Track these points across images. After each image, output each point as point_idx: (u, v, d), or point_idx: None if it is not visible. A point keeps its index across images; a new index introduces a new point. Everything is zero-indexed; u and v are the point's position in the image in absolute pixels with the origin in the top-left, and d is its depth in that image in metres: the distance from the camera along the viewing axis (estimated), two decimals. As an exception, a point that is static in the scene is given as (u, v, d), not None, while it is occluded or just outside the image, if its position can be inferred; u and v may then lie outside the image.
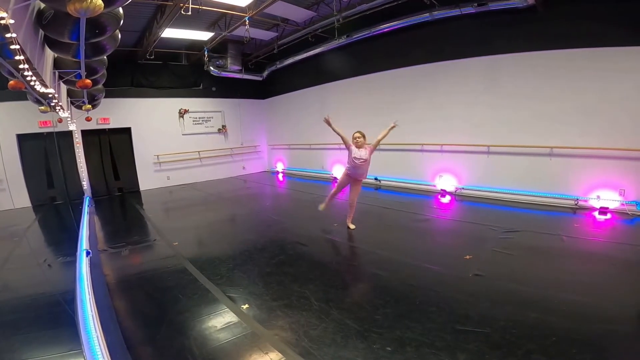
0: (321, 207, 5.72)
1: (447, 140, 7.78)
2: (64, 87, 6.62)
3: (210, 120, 12.51)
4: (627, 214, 5.50)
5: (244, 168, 13.54)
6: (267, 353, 2.53)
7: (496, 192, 7.06)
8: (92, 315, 2.42)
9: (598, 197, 5.82)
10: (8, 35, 2.43)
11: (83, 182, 9.53)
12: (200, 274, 4.05)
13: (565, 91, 5.99)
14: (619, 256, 4.06)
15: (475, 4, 6.39)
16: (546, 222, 5.58)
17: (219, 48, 10.43)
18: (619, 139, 5.47)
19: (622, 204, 5.61)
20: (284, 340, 2.66)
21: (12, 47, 2.65)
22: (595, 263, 3.93)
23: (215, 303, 3.37)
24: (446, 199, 7.50)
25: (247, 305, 3.27)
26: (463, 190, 7.64)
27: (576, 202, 6.07)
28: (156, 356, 2.61)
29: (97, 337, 2.15)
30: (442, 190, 7.94)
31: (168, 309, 3.29)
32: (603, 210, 5.75)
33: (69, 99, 7.60)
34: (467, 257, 4.13)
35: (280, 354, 2.50)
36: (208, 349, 2.62)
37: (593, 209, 5.88)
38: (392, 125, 5.39)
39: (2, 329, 3.04)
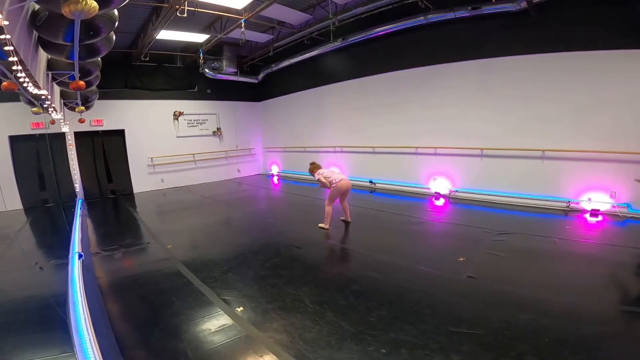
0: (323, 225, 5.73)
1: (441, 143, 7.84)
2: (57, 89, 6.57)
3: (205, 123, 12.48)
4: (618, 215, 5.58)
5: (239, 171, 13.50)
6: (261, 356, 2.52)
7: (489, 194, 7.12)
8: (85, 318, 2.40)
9: (589, 199, 5.90)
10: (2, 36, 2.42)
11: (75, 185, 9.43)
12: (194, 277, 4.03)
13: (557, 94, 6.08)
14: (611, 258, 4.11)
15: (469, 8, 6.46)
16: (538, 225, 5.64)
17: (214, 50, 10.43)
18: (610, 141, 5.55)
19: (613, 206, 5.69)
20: (279, 343, 2.66)
21: (6, 48, 2.63)
22: (587, 265, 3.97)
23: (209, 306, 3.35)
24: (440, 202, 7.55)
25: (241, 308, 3.26)
26: (457, 193, 7.70)
27: (568, 205, 6.14)
28: (150, 359, 2.59)
29: (90, 340, 2.13)
30: (436, 193, 7.99)
31: (162, 312, 3.27)
32: (594, 213, 5.83)
33: (62, 101, 7.54)
34: (461, 259, 4.16)
35: (275, 356, 2.49)
36: (202, 352, 2.61)
37: (584, 211, 5.96)
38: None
39: (-7, 332, 2.99)
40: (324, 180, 5.66)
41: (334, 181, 5.63)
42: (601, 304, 3.05)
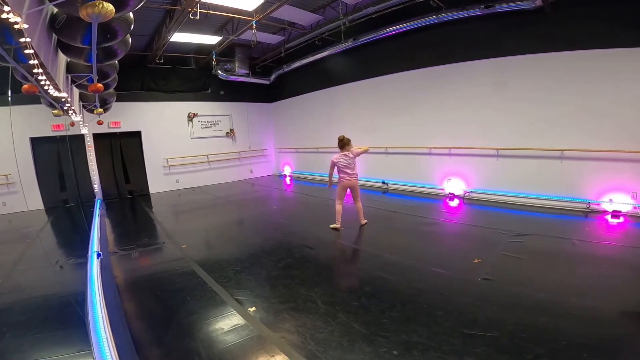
0: (335, 226, 5.71)
1: (455, 143, 7.72)
2: (76, 91, 6.74)
3: (218, 124, 12.62)
4: (641, 217, 5.40)
5: (251, 171, 13.61)
6: (273, 356, 2.53)
7: (506, 195, 6.98)
8: (102, 317, 2.44)
9: (610, 200, 5.72)
10: (22, 39, 2.49)
11: (94, 185, 9.66)
12: (208, 277, 4.07)
13: (575, 93, 5.91)
14: (632, 260, 3.97)
15: (482, 6, 6.34)
16: (557, 226, 5.50)
17: (226, 52, 10.54)
18: (631, 141, 5.37)
19: (635, 207, 5.50)
20: (291, 343, 2.66)
21: (26, 51, 2.71)
22: (607, 267, 3.85)
23: (222, 305, 3.38)
24: (454, 203, 7.44)
25: (254, 308, 3.28)
26: (472, 194, 7.57)
27: (588, 206, 5.97)
28: (164, 357, 2.63)
29: (107, 338, 2.17)
30: (450, 193, 7.88)
31: (176, 311, 3.32)
32: (616, 214, 5.65)
33: (81, 103, 7.74)
34: (476, 260, 4.09)
35: (286, 356, 2.50)
36: (215, 351, 2.63)
37: (605, 212, 5.78)
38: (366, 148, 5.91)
39: (13, 329, 3.09)
40: (332, 170, 5.61)
41: (340, 179, 5.63)
42: (621, 306, 2.95)
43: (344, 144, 5.64)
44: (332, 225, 5.72)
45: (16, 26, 2.27)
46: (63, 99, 5.18)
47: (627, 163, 5.49)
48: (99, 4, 2.57)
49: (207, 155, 12.24)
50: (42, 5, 2.86)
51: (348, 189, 5.70)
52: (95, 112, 7.85)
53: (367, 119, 9.82)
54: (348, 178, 5.60)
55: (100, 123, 9.42)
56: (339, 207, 5.69)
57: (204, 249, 5.58)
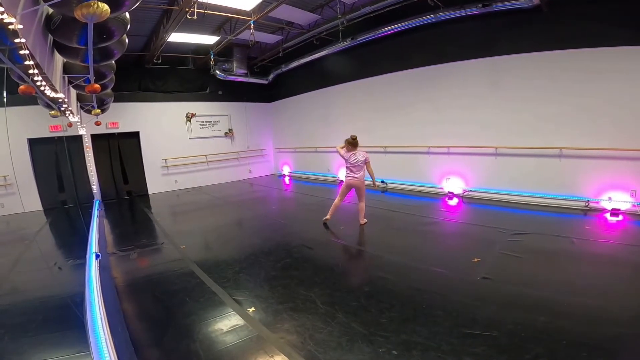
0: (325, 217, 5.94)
1: (453, 142, 7.72)
2: (73, 92, 6.72)
3: (217, 124, 12.60)
4: (639, 215, 5.40)
5: (250, 171, 13.59)
6: (272, 356, 2.52)
7: (504, 194, 6.98)
8: (101, 318, 2.43)
9: (609, 198, 5.73)
10: (17, 40, 2.47)
11: (93, 186, 9.64)
12: (207, 277, 4.06)
13: (573, 92, 5.91)
14: (631, 258, 3.98)
15: (480, 5, 6.34)
16: (556, 225, 5.50)
17: (224, 52, 10.51)
18: (629, 139, 5.37)
19: (634, 206, 5.51)
20: (290, 344, 2.65)
21: (22, 52, 2.69)
22: (606, 266, 3.85)
23: (221, 306, 3.37)
24: (453, 202, 7.44)
25: (253, 309, 3.27)
26: (470, 193, 7.57)
27: (587, 204, 5.98)
28: (163, 359, 2.62)
29: (105, 339, 2.17)
30: (449, 192, 7.88)
31: (175, 312, 3.31)
32: (614, 212, 5.65)
33: (78, 104, 7.71)
34: (475, 260, 4.08)
35: (285, 357, 2.49)
36: (214, 352, 2.62)
37: (604, 210, 5.79)
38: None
39: (11, 330, 3.08)
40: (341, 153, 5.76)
41: (346, 177, 5.78)
42: (620, 305, 2.95)
43: (356, 143, 5.75)
44: (324, 218, 5.92)
45: (11, 27, 2.26)
46: (60, 100, 5.15)
47: (626, 161, 5.50)
48: (94, 4, 2.55)
49: (205, 155, 12.22)
50: (37, 6, 2.84)
51: (353, 189, 5.78)
52: (92, 112, 7.80)
53: (365, 118, 9.81)
54: (353, 176, 5.68)
55: (98, 124, 9.39)
56: (335, 202, 5.88)
57: (202, 249, 5.57)
